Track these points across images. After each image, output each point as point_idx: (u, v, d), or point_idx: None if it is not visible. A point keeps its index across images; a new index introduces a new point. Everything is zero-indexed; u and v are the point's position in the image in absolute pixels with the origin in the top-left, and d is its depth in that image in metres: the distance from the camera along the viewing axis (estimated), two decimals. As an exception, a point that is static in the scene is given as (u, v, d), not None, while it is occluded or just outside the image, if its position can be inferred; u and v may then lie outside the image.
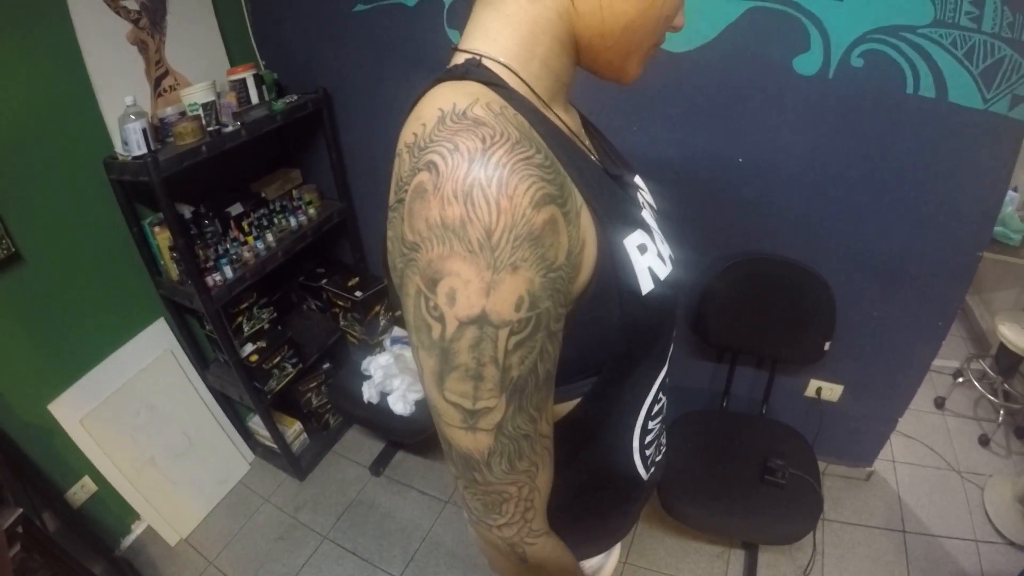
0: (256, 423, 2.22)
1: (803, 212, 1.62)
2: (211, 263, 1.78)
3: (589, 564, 0.77)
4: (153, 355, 1.92)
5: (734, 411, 1.96)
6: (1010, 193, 2.44)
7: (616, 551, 0.86)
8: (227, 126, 1.71)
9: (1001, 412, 2.33)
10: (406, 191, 0.42)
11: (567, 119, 0.58)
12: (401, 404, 1.94)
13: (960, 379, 2.54)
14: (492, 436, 0.46)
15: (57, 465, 1.75)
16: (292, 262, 2.06)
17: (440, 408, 0.46)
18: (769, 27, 1.38)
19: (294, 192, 2.13)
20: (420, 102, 0.47)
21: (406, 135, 0.45)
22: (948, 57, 1.29)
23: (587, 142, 0.62)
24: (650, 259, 0.53)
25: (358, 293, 2.13)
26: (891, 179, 1.50)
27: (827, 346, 1.70)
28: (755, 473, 1.60)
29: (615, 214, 0.51)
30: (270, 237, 1.96)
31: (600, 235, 0.48)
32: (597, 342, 0.52)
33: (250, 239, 1.91)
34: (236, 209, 1.93)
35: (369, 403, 1.99)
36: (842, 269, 1.65)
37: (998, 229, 2.21)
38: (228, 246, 1.84)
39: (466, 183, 0.39)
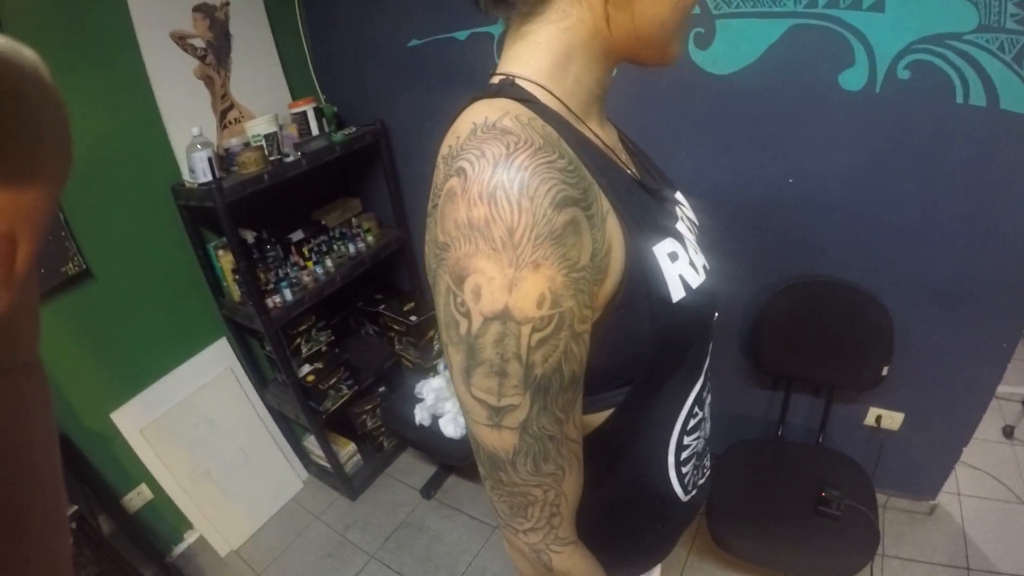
0: (311, 442, 2.30)
1: (856, 232, 1.60)
2: (271, 286, 1.89)
3: None
4: (214, 372, 2.03)
5: (790, 440, 1.90)
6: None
7: (656, 573, 0.86)
8: (288, 156, 1.84)
9: (1079, 442, 2.17)
10: (439, 197, 0.46)
11: (602, 133, 0.60)
12: (452, 427, 1.99)
13: (1033, 407, 2.39)
14: (517, 435, 0.47)
15: (116, 471, 1.86)
16: (351, 288, 2.17)
17: (468, 405, 0.48)
18: (812, 44, 1.41)
19: (353, 220, 2.25)
20: (457, 118, 0.50)
21: (443, 148, 0.49)
22: (997, 63, 1.28)
23: (623, 156, 0.63)
24: (681, 267, 0.54)
25: (413, 318, 2.21)
26: (945, 194, 1.47)
27: (885, 371, 1.65)
28: (809, 504, 1.54)
29: (645, 222, 0.53)
30: (329, 262, 2.07)
31: (628, 241, 0.49)
32: (628, 350, 0.53)
33: (309, 264, 2.02)
34: (297, 235, 2.05)
35: (421, 425, 2.04)
36: (899, 290, 1.62)
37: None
38: (288, 270, 1.95)
39: (490, 185, 0.42)
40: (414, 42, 1.92)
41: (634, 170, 0.63)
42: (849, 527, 1.48)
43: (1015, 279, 1.51)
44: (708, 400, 0.70)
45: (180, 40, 1.77)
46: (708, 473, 0.79)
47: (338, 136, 1.98)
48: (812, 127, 1.51)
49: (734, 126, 1.59)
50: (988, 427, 2.23)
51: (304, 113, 1.99)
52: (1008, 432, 2.33)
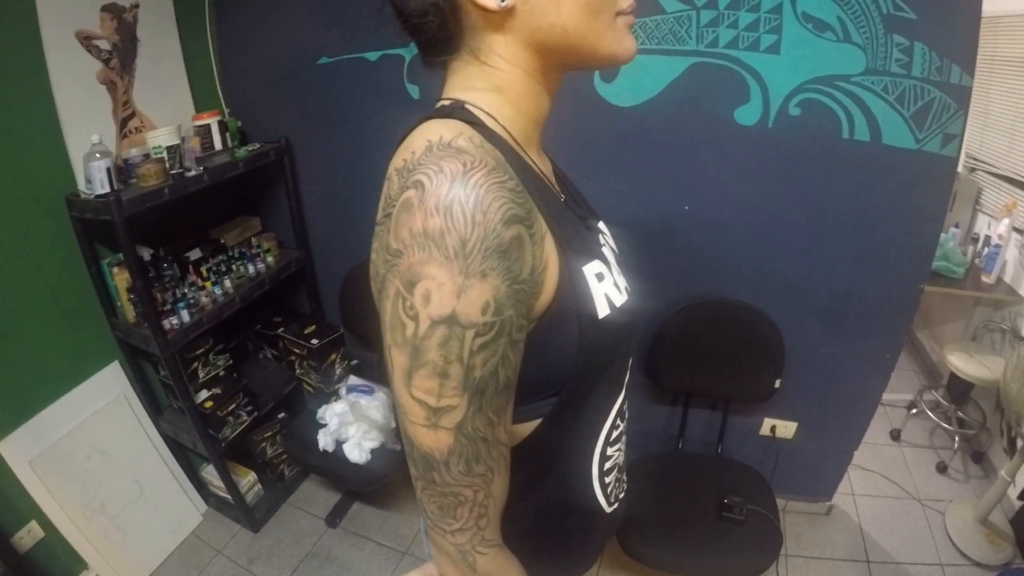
0: (210, 472, 2.23)
1: (749, 256, 1.76)
2: (169, 306, 1.84)
3: None
4: (106, 399, 1.94)
5: (690, 452, 2.04)
6: (952, 229, 2.65)
7: None
8: (190, 170, 1.80)
9: (956, 439, 2.48)
10: (394, 207, 0.50)
11: (539, 162, 0.66)
12: (356, 452, 1.99)
13: (914, 411, 2.70)
14: (452, 435, 0.51)
15: (3, 508, 1.73)
16: (249, 310, 2.13)
17: (406, 406, 0.52)
18: (711, 81, 1.55)
19: (253, 240, 2.22)
20: (410, 135, 0.55)
21: (396, 161, 0.53)
22: (880, 102, 1.47)
23: (556, 185, 0.70)
24: (607, 287, 0.60)
25: (314, 341, 2.20)
26: (832, 221, 1.65)
27: (777, 383, 1.81)
28: (713, 511, 1.67)
29: (575, 244, 0.59)
30: (228, 283, 2.03)
31: (562, 260, 0.56)
32: (557, 361, 0.58)
33: (208, 284, 1.98)
34: (195, 254, 2.00)
35: (324, 451, 2.03)
36: (789, 308, 1.78)
37: (942, 264, 2.39)
38: (186, 290, 1.90)
39: (447, 199, 0.47)
40: (324, 60, 1.94)
41: (565, 197, 0.70)
42: (753, 530, 1.61)
43: (895, 296, 1.71)
44: (627, 414, 0.77)
45: (85, 40, 1.70)
46: (626, 487, 0.86)
47: (241, 152, 1.96)
48: (708, 158, 1.64)
49: (635, 155, 1.71)
50: (877, 432, 2.48)
51: (208, 126, 1.95)
52: (895, 435, 2.60)
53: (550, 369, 0.58)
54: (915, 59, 1.40)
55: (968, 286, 2.42)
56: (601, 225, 0.78)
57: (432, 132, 0.52)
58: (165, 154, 1.77)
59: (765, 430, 2.04)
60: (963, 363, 2.33)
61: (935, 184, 1.55)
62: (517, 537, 0.63)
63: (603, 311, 0.58)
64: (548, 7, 0.55)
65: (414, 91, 1.87)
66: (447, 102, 0.60)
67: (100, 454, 1.91)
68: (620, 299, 0.62)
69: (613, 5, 0.57)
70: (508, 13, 0.56)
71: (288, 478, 2.42)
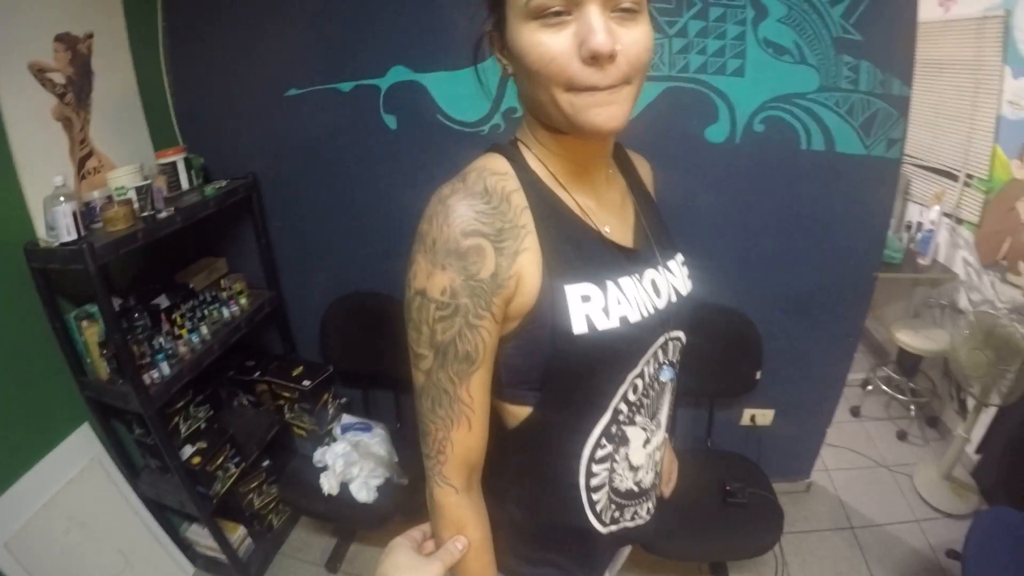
0: (195, 532, 2.19)
1: (724, 261, 1.96)
2: (148, 359, 1.79)
3: None
4: (79, 465, 1.86)
5: (683, 448, 2.22)
6: (888, 219, 3.04)
7: None
8: (161, 212, 1.76)
9: (912, 408, 2.85)
10: None
11: (584, 195, 0.77)
12: (364, 491, 2.01)
13: (869, 387, 3.07)
14: (424, 377, 0.71)
15: None
16: (221, 357, 2.09)
17: (409, 349, 0.73)
18: (683, 103, 1.75)
19: (222, 282, 2.19)
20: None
21: None
22: (833, 115, 1.72)
23: (604, 215, 0.78)
24: (591, 309, 0.69)
25: (306, 382, 2.18)
26: (795, 223, 1.90)
27: (758, 375, 2.03)
28: (718, 499, 1.87)
29: (569, 266, 0.70)
30: (205, 330, 2.01)
31: (545, 276, 0.69)
32: (535, 356, 0.71)
33: (184, 332, 1.95)
34: (163, 301, 1.96)
35: (329, 495, 2.03)
36: (763, 305, 2.00)
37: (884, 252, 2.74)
38: (163, 340, 1.86)
39: (431, 211, 0.67)
40: (293, 91, 1.96)
41: (611, 228, 0.78)
42: (756, 510, 1.83)
43: (853, 285, 2.00)
44: (630, 443, 0.83)
45: (39, 73, 1.63)
46: (640, 522, 0.93)
47: (210, 190, 1.95)
48: (683, 174, 1.81)
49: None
50: (838, 411, 2.75)
51: (174, 164, 1.92)
52: (855, 412, 2.95)
53: (528, 363, 0.72)
54: (861, 75, 1.67)
55: (907, 269, 2.79)
56: (671, 263, 0.85)
57: (479, 161, 0.75)
58: (134, 195, 1.72)
59: (746, 420, 2.27)
60: (910, 338, 2.68)
61: (883, 183, 1.84)
62: (515, 504, 0.84)
63: (579, 329, 0.69)
64: (518, 76, 0.70)
65: (391, 121, 1.94)
66: (512, 138, 0.79)
67: (79, 526, 1.84)
68: (605, 324, 0.70)
69: (554, 81, 0.62)
70: (514, 77, 0.72)
71: (277, 528, 2.41)
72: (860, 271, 1.99)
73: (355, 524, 2.24)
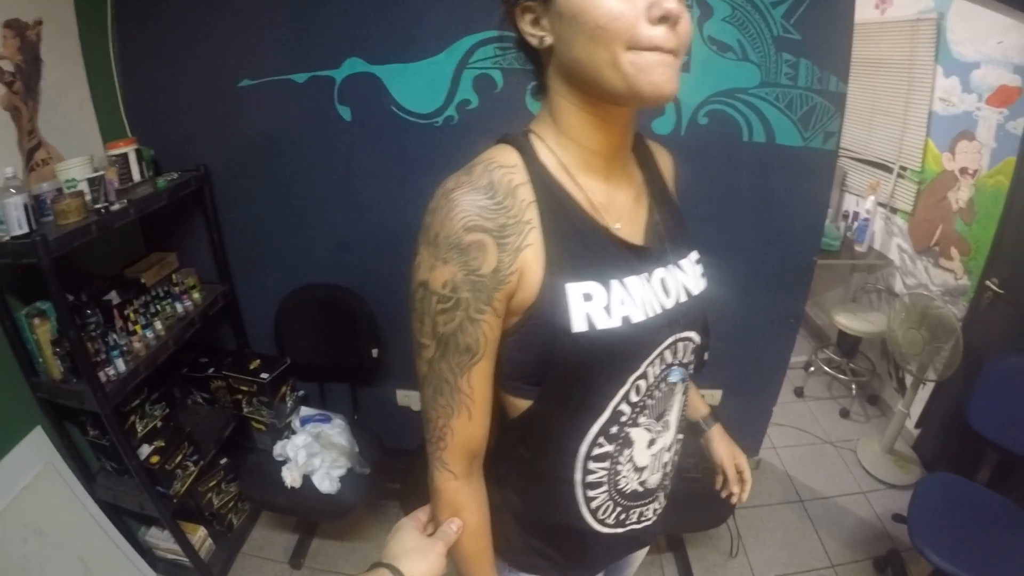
0: (154, 535, 2.19)
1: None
2: (103, 356, 1.79)
3: None
4: (34, 470, 1.84)
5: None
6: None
7: None
8: (113, 204, 1.75)
9: (853, 387, 3.07)
10: None
11: (595, 186, 0.76)
12: (327, 482, 2.04)
13: (811, 369, 3.29)
14: (426, 366, 0.73)
15: None
16: (174, 354, 2.10)
17: (412, 338, 0.75)
18: (632, 96, 1.87)
19: (174, 276, 2.19)
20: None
21: None
22: (773, 109, 1.86)
23: (605, 213, 0.77)
24: (592, 308, 0.70)
25: (264, 375, 2.19)
26: (738, 211, 2.04)
27: (706, 356, 2.14)
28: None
29: (573, 264, 0.71)
30: (159, 325, 2.02)
31: (547, 273, 0.69)
32: (533, 351, 0.73)
33: (138, 328, 1.95)
34: (114, 297, 1.95)
35: (292, 488, 2.05)
36: (709, 291, 2.13)
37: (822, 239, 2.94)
38: (117, 337, 1.86)
39: (435, 205, 0.68)
40: (246, 82, 1.98)
41: (622, 224, 0.79)
42: (709, 486, 1.95)
43: (793, 268, 2.15)
44: (634, 444, 0.84)
45: None
46: (648, 524, 0.95)
47: (162, 183, 1.95)
48: None
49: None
50: (784, 392, 2.97)
51: (125, 156, 1.91)
52: (799, 392, 3.15)
53: (527, 356, 0.74)
54: (800, 72, 1.82)
55: (844, 256, 3.00)
56: (683, 262, 0.87)
57: (487, 152, 0.75)
58: (86, 187, 1.71)
59: (695, 400, 2.42)
60: (849, 321, 2.89)
61: (820, 173, 2.00)
62: (510, 510, 0.89)
63: (579, 327, 0.70)
64: (570, 40, 0.66)
65: (346, 112, 1.98)
66: (526, 129, 0.78)
67: (36, 535, 1.81)
68: (605, 323, 0.71)
69: (618, 39, 0.61)
70: (551, 50, 0.70)
71: (238, 527, 2.42)
72: (800, 257, 2.15)
73: (318, 516, 2.27)
